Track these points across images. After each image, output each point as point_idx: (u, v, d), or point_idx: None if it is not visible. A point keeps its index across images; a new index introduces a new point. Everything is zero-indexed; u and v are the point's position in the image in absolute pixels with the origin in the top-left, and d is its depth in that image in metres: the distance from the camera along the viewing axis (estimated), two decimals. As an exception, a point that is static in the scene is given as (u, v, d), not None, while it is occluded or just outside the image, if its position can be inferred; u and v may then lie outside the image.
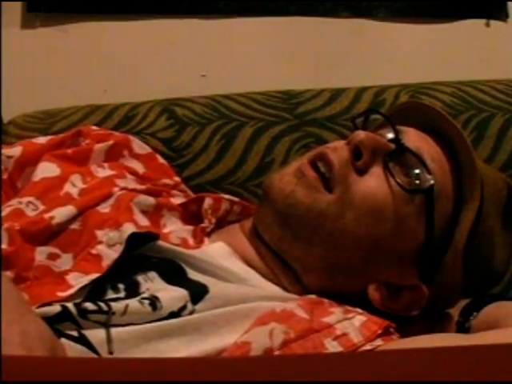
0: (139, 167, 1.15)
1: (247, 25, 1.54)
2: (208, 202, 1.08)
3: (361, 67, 1.55)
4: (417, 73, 1.48)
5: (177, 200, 1.10)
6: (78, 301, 0.90)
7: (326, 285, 0.99)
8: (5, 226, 0.98)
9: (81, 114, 1.32)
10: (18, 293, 0.85)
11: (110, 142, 1.15)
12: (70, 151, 1.12)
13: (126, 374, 0.56)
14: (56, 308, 0.87)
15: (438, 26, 1.57)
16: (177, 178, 1.18)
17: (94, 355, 0.84)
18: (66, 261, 0.98)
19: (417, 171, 0.98)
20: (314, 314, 0.92)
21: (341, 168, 0.98)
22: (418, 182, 0.98)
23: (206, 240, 1.04)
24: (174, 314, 0.90)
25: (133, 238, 0.96)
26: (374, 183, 0.98)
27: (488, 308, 0.99)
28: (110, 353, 0.85)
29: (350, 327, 0.92)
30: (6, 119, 1.35)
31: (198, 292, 0.92)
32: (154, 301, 0.89)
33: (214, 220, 1.07)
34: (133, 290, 0.92)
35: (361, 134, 0.99)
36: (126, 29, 1.53)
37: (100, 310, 0.87)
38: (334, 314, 0.93)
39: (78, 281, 0.94)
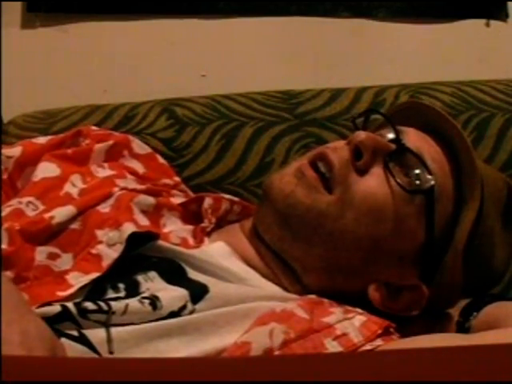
0: (139, 167, 1.15)
1: (247, 25, 1.54)
2: (208, 201, 1.08)
3: (361, 67, 1.55)
4: (417, 73, 1.48)
5: (177, 200, 1.10)
6: (78, 300, 0.90)
7: (326, 285, 0.99)
8: (5, 226, 0.98)
9: (81, 114, 1.32)
10: (18, 293, 0.85)
11: (110, 142, 1.15)
12: (69, 151, 1.12)
13: (126, 374, 0.56)
14: (56, 308, 0.87)
15: (437, 26, 1.57)
16: (177, 178, 1.18)
17: (94, 355, 0.84)
18: (66, 260, 0.98)
19: (417, 171, 0.98)
20: (314, 314, 0.92)
21: (341, 168, 0.98)
22: (418, 182, 0.98)
23: (206, 240, 1.04)
24: (174, 314, 0.90)
25: (133, 237, 0.96)
26: (374, 183, 0.98)
27: (488, 308, 0.99)
28: (111, 352, 0.85)
29: (349, 327, 0.92)
30: (6, 119, 1.35)
31: (198, 292, 0.92)
32: (154, 300, 0.89)
33: (214, 220, 1.07)
34: (133, 290, 0.93)
35: (361, 134, 0.99)
36: (126, 29, 1.53)
37: (100, 310, 0.87)
38: (334, 314, 0.93)
39: (77, 280, 0.94)
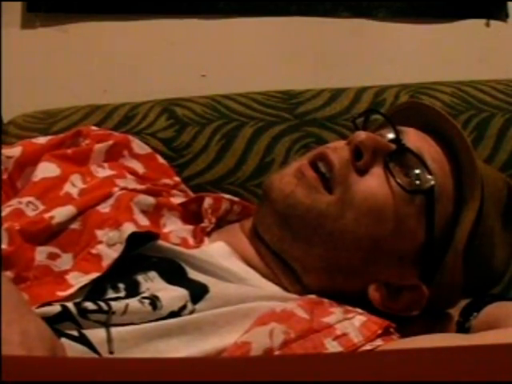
0: (139, 167, 1.15)
1: (247, 25, 1.54)
2: (208, 201, 1.08)
3: (361, 67, 1.55)
4: (417, 73, 1.48)
5: (177, 200, 1.10)
6: (78, 300, 0.90)
7: (326, 285, 0.99)
8: (5, 225, 0.98)
9: (81, 114, 1.32)
10: (18, 293, 0.85)
11: (110, 142, 1.15)
12: (69, 151, 1.12)
13: (126, 374, 0.56)
14: (56, 308, 0.87)
15: (438, 26, 1.57)
16: (177, 178, 1.18)
17: (94, 355, 0.84)
18: (66, 260, 0.98)
19: (417, 171, 0.98)
20: (314, 314, 0.92)
21: (341, 168, 0.98)
22: (418, 182, 0.98)
23: (206, 240, 1.04)
24: (174, 314, 0.90)
25: (133, 237, 0.96)
26: (374, 183, 0.98)
27: (488, 308, 0.99)
28: (111, 352, 0.85)
29: (350, 327, 0.92)
30: (6, 119, 1.35)
31: (198, 292, 0.92)
32: (154, 300, 0.89)
33: (214, 220, 1.07)
34: (133, 290, 0.93)
35: (361, 135, 0.99)
36: (126, 29, 1.53)
37: (100, 310, 0.87)
38: (334, 314, 0.93)
39: (77, 280, 0.94)
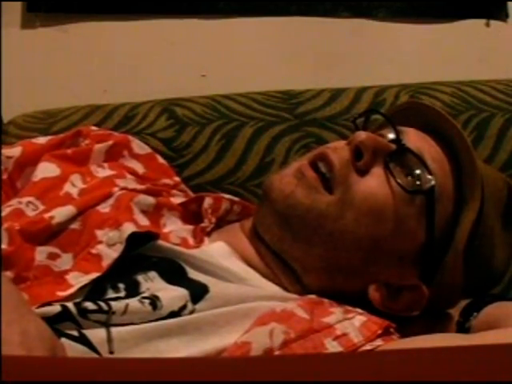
0: (139, 167, 1.15)
1: (247, 25, 1.54)
2: (208, 201, 1.08)
3: (361, 67, 1.55)
4: (417, 73, 1.48)
5: (177, 200, 1.10)
6: (78, 300, 0.90)
7: (326, 285, 0.99)
8: (5, 225, 0.98)
9: (81, 113, 1.32)
10: (18, 293, 0.85)
11: (110, 142, 1.15)
12: (69, 151, 1.12)
13: (126, 374, 0.56)
14: (56, 308, 0.87)
15: (437, 26, 1.57)
16: (177, 178, 1.18)
17: (94, 355, 0.84)
18: (66, 260, 0.98)
19: (417, 172, 0.98)
20: (314, 314, 0.92)
21: (341, 168, 0.98)
22: (418, 182, 0.98)
23: (206, 240, 1.04)
24: (174, 314, 0.90)
25: (133, 237, 0.96)
26: (374, 183, 0.98)
27: (488, 308, 0.99)
28: (111, 352, 0.85)
29: (350, 327, 0.92)
30: (6, 119, 1.35)
31: (198, 291, 0.92)
32: (154, 300, 0.89)
33: (214, 219, 1.07)
34: (133, 290, 0.93)
35: (362, 135, 0.99)
36: (126, 29, 1.53)
37: (100, 310, 0.87)
38: (334, 314, 0.93)
39: (77, 280, 0.94)
